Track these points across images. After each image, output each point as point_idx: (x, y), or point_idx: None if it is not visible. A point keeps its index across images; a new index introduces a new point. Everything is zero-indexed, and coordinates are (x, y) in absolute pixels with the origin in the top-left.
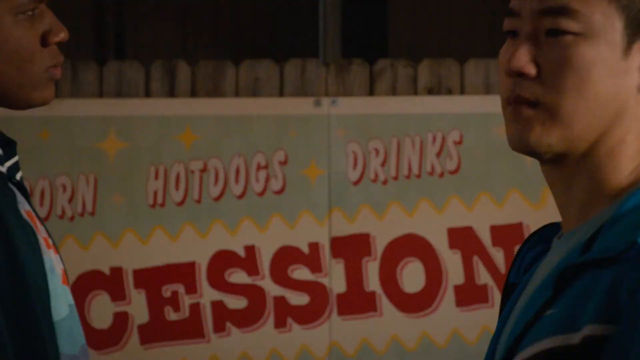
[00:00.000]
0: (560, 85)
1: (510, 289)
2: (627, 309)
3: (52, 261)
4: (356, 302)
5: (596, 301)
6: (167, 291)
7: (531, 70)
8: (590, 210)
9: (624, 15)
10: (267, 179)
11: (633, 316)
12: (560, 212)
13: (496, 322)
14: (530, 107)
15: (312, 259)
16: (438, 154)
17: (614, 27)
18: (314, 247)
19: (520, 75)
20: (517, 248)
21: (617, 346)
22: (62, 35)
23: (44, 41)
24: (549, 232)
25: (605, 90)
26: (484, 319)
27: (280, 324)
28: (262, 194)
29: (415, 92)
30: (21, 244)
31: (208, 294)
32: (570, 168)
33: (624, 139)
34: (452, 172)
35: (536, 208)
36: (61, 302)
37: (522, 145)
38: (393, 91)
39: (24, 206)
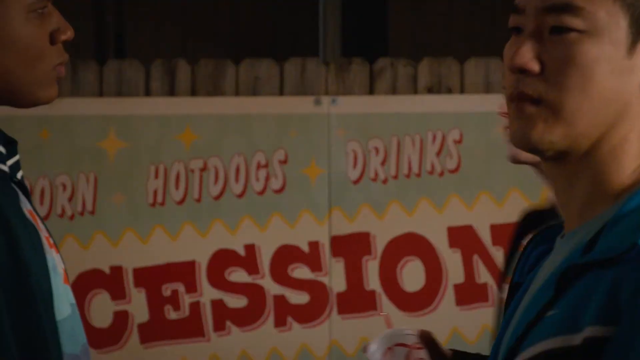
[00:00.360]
0: (564, 82)
1: (514, 289)
2: (628, 310)
3: (54, 260)
4: (356, 301)
5: (597, 302)
6: (167, 290)
7: (534, 67)
8: (592, 210)
9: (628, 13)
10: (267, 178)
11: (634, 317)
12: (561, 211)
13: (495, 321)
14: (533, 104)
15: (312, 258)
16: (438, 153)
17: (618, 25)
18: (314, 246)
19: (523, 72)
20: None
21: (618, 347)
22: (69, 33)
23: (52, 39)
24: (552, 231)
25: (609, 88)
26: (484, 317)
27: (280, 322)
28: (262, 193)
29: (415, 91)
30: (24, 243)
31: (208, 293)
32: (573, 166)
33: (626, 138)
34: (452, 171)
35: None
36: (63, 301)
37: (524, 142)
38: (393, 90)
39: (25, 205)
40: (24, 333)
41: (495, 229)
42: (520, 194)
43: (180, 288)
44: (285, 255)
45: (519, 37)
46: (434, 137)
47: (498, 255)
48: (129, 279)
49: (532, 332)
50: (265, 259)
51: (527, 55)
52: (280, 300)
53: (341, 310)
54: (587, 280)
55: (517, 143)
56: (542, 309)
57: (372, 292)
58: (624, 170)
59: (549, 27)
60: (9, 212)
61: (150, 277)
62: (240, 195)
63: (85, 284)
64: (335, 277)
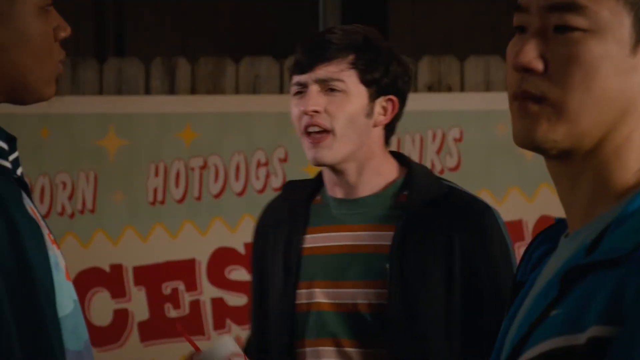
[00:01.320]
0: (567, 81)
1: (517, 288)
2: (632, 312)
3: (57, 257)
4: None
5: (601, 303)
6: (167, 288)
7: (538, 65)
8: (596, 209)
9: (632, 12)
10: (267, 176)
11: (637, 318)
12: (565, 211)
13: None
14: (536, 102)
15: None
16: (438, 151)
17: (622, 24)
18: None
19: (527, 70)
20: (517, 245)
21: (621, 348)
22: (68, 30)
23: (55, 37)
24: (556, 231)
25: (613, 87)
26: None
27: None
28: (262, 191)
29: (415, 89)
30: (27, 239)
31: (208, 291)
32: (576, 165)
33: (630, 137)
34: (452, 169)
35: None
36: (66, 297)
37: (528, 141)
38: None
39: (26, 201)
40: (27, 329)
41: None
42: (519, 192)
43: (180, 286)
44: None
45: (523, 36)
46: (434, 136)
47: None
48: (129, 277)
49: (535, 332)
50: None
51: (530, 54)
52: None
53: None
54: (591, 280)
55: (520, 142)
56: (546, 308)
57: None
58: (627, 169)
59: (552, 26)
60: (13, 208)
61: (150, 276)
62: (241, 194)
63: (85, 282)
64: None
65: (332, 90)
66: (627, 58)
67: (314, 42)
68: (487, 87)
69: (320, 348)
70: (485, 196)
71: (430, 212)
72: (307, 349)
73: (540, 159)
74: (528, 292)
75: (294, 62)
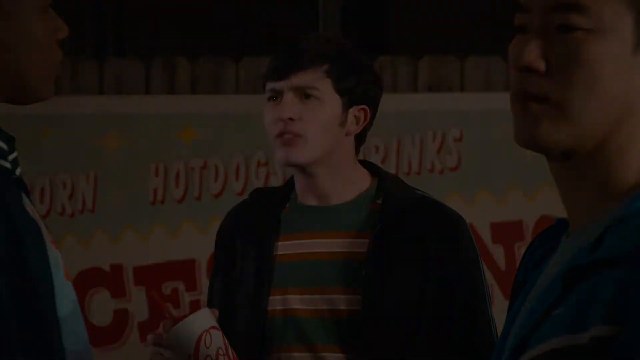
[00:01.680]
0: (570, 81)
1: (518, 287)
2: (634, 311)
3: (56, 257)
4: None
5: (604, 302)
6: (167, 288)
7: (540, 65)
8: (598, 209)
9: (634, 11)
10: (268, 176)
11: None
12: (567, 211)
13: (495, 318)
14: (539, 102)
15: None
16: (438, 151)
17: (624, 23)
18: None
19: (529, 70)
20: (517, 245)
21: (624, 347)
22: (66, 31)
23: (54, 37)
24: (557, 230)
25: (615, 86)
26: None
27: None
28: None
29: (415, 89)
30: (27, 240)
31: None
32: (578, 165)
33: (632, 137)
34: (453, 169)
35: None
36: (65, 297)
37: (530, 141)
38: (393, 88)
39: (26, 202)
40: (27, 329)
41: (495, 227)
42: (520, 191)
43: (180, 286)
44: None
45: (525, 36)
46: (434, 136)
47: (498, 253)
48: (129, 277)
49: (538, 331)
50: None
51: (533, 54)
52: None
53: None
54: (593, 279)
55: (522, 142)
56: (548, 307)
57: None
58: (629, 169)
59: (555, 25)
60: (14, 209)
61: (150, 275)
62: (241, 193)
63: (85, 282)
64: None
65: (308, 97)
66: (629, 58)
67: (289, 50)
68: (487, 87)
69: (296, 354)
70: (485, 196)
71: (405, 219)
72: (281, 355)
73: (540, 159)
74: (529, 292)
75: (269, 68)
